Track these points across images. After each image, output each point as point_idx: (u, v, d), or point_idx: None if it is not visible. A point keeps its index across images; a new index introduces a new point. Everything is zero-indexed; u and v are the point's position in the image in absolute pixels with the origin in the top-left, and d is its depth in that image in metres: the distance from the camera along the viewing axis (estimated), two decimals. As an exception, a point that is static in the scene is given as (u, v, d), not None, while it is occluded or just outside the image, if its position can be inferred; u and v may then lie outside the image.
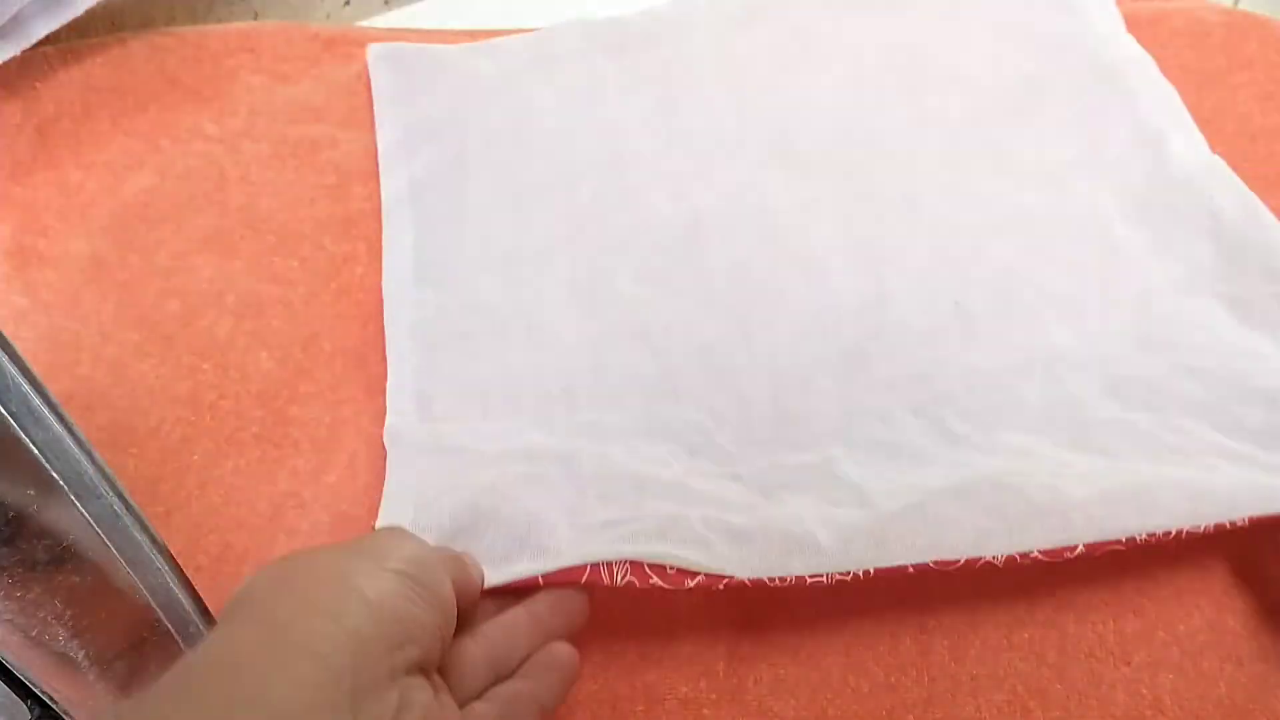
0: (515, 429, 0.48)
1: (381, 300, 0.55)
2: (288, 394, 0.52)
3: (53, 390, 0.52)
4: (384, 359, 0.53)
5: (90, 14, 0.63)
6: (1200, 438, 0.46)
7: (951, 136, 0.59)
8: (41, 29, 0.61)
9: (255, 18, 0.73)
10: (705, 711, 0.43)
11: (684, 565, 0.41)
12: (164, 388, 0.52)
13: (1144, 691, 0.43)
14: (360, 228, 0.58)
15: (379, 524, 0.43)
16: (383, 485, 0.49)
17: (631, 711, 0.43)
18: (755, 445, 0.48)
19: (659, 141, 0.60)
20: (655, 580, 0.41)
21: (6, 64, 0.61)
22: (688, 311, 0.53)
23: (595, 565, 0.41)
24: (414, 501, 0.43)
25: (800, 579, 0.41)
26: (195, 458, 0.50)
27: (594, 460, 0.46)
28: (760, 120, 0.61)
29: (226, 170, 0.61)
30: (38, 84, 0.63)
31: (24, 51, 0.61)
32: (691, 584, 0.41)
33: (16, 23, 0.60)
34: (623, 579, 0.40)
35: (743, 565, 0.41)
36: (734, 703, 0.43)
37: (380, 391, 0.51)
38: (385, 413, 0.51)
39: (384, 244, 0.57)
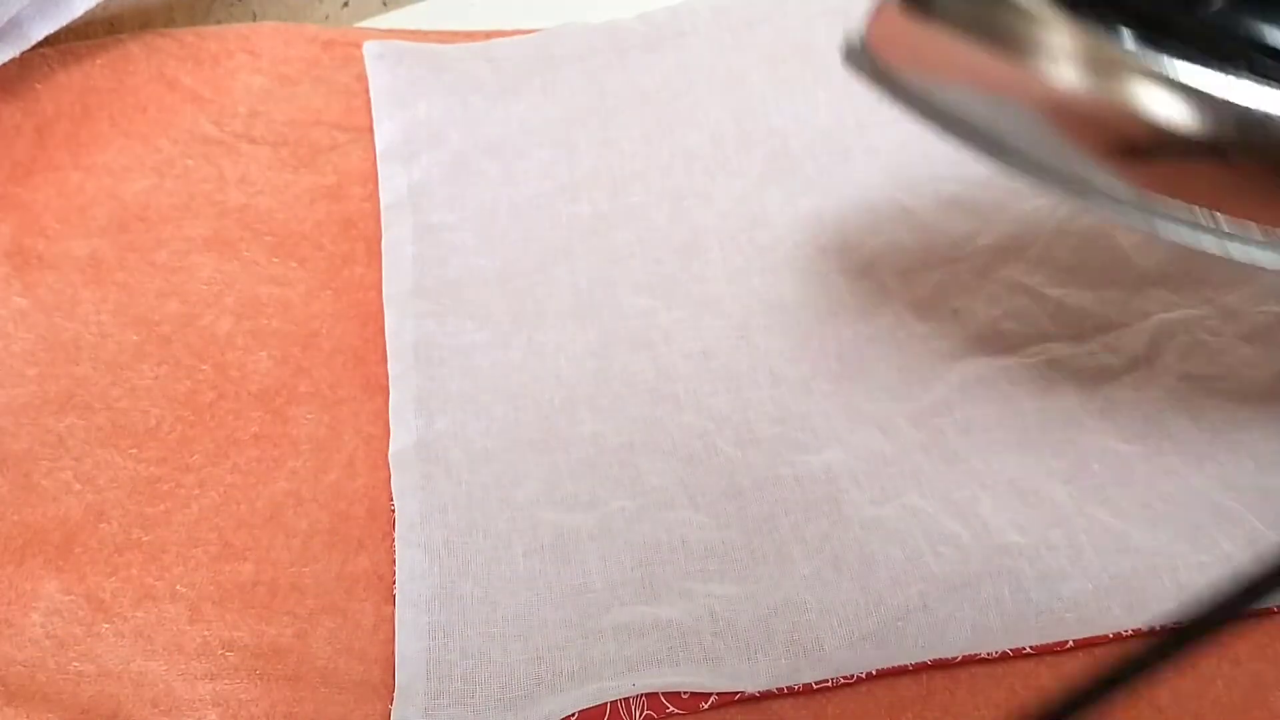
0: (514, 479, 0.49)
1: (381, 300, 0.55)
2: (287, 394, 0.52)
3: (51, 390, 0.52)
4: (384, 359, 0.53)
5: (89, 16, 0.63)
6: (1190, 486, 0.47)
7: (952, 149, 0.59)
8: (39, 31, 0.61)
9: (254, 19, 0.74)
10: (700, 702, 0.43)
11: (698, 690, 0.42)
12: (163, 388, 0.52)
13: (1142, 689, 0.43)
14: (360, 228, 0.58)
15: (398, 687, 0.43)
16: (383, 485, 0.49)
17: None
18: (756, 446, 0.49)
19: (658, 157, 0.60)
20: (672, 709, 0.42)
21: (5, 66, 0.61)
22: (688, 319, 0.53)
23: (614, 703, 0.42)
24: (425, 661, 0.43)
25: (808, 685, 0.43)
26: (194, 458, 0.50)
27: (597, 554, 0.46)
28: (759, 135, 0.61)
29: (225, 171, 0.61)
30: (37, 85, 0.63)
31: (23, 54, 0.61)
32: (706, 705, 0.42)
33: (14, 25, 0.60)
34: (641, 714, 0.42)
35: (753, 680, 0.43)
36: (729, 697, 0.43)
37: (380, 390, 0.52)
38: (385, 412, 0.51)
39: (384, 250, 0.57)
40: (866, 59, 0.39)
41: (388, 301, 0.55)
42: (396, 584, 0.46)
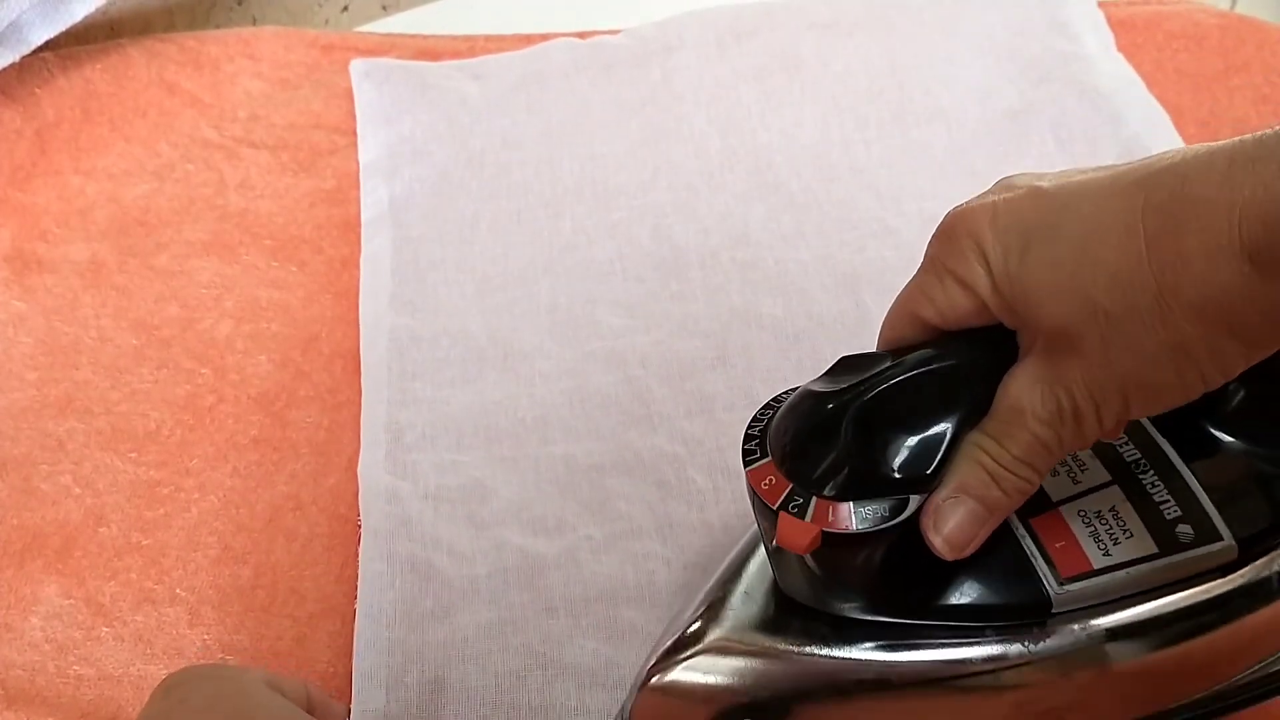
0: (480, 492, 0.48)
1: (380, 304, 0.55)
2: (286, 397, 0.52)
3: (50, 394, 0.52)
4: (382, 362, 0.53)
5: (89, 21, 0.64)
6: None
7: (936, 167, 0.59)
8: (40, 36, 0.61)
9: (254, 23, 0.74)
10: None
11: None
12: (162, 391, 0.52)
13: None
14: (358, 232, 0.58)
15: (354, 700, 0.42)
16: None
17: None
18: (727, 477, 0.48)
19: (642, 172, 0.60)
20: None
21: (6, 70, 0.61)
22: (665, 339, 0.53)
23: None
24: (385, 681, 0.43)
25: None
26: (194, 461, 0.50)
27: (562, 583, 0.45)
28: (744, 151, 0.60)
29: (225, 175, 0.61)
30: (37, 90, 0.63)
31: (24, 58, 0.61)
32: None
33: (14, 29, 0.60)
34: None
35: None
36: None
37: (378, 394, 0.52)
38: (383, 416, 0.51)
39: (362, 264, 0.56)
40: None
41: (363, 316, 0.54)
42: (358, 597, 0.45)
